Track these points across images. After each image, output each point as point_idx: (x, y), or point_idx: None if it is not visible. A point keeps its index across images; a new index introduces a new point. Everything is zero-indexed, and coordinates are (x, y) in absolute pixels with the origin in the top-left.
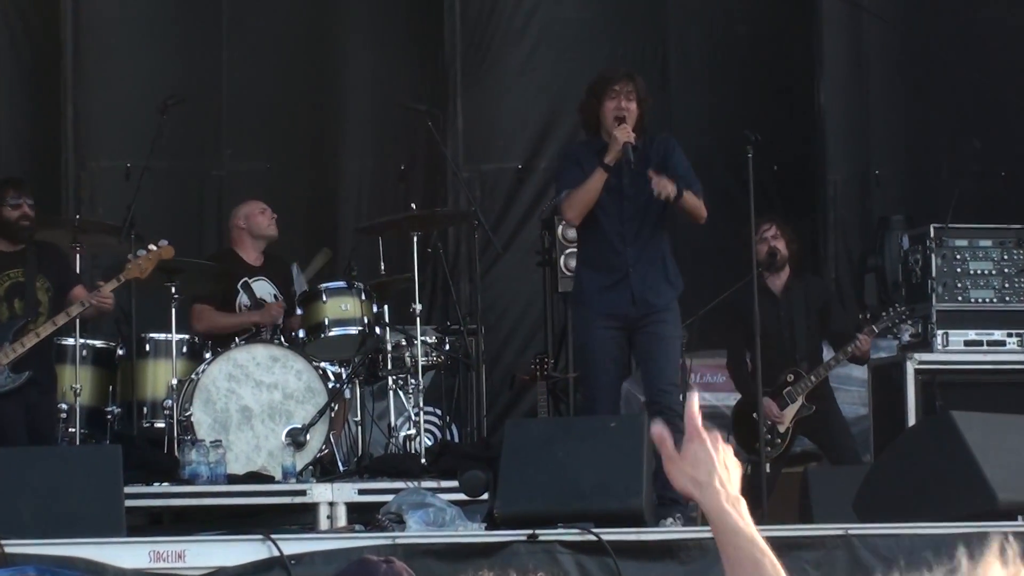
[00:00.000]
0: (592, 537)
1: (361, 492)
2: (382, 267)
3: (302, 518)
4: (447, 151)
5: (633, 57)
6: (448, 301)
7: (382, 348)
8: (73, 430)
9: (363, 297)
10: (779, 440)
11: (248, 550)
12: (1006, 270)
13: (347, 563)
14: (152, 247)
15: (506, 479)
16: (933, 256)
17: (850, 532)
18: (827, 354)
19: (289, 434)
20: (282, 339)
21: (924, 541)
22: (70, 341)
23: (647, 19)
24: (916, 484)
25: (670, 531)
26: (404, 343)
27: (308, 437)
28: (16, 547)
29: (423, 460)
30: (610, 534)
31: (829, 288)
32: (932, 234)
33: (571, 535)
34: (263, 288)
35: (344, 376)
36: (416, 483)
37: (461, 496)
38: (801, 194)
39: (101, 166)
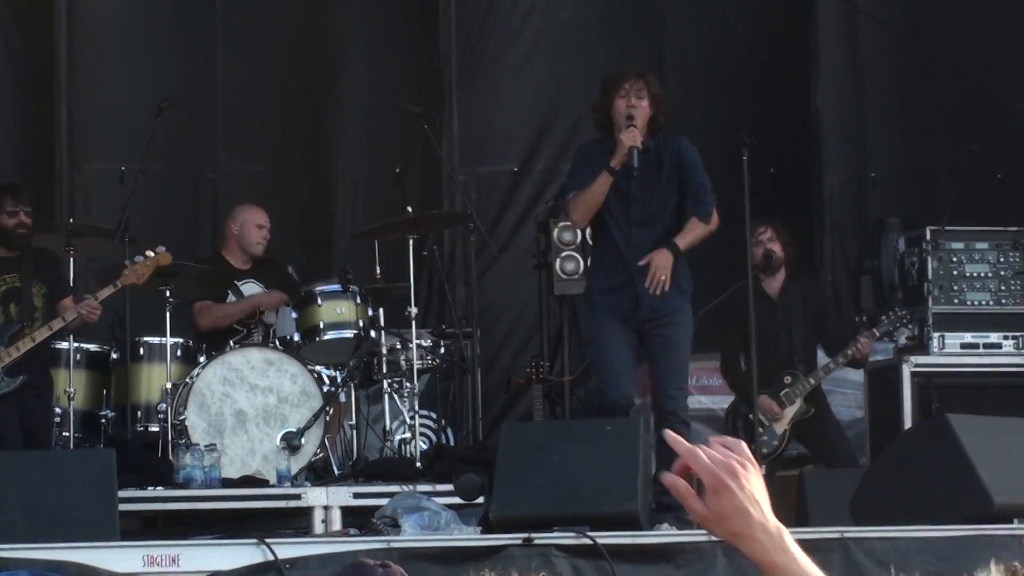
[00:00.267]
0: (588, 541)
1: (356, 496)
2: (377, 270)
3: (297, 522)
4: (443, 153)
5: (629, 59)
6: (444, 304)
7: (377, 351)
8: (67, 434)
9: (358, 300)
10: (776, 442)
11: (242, 554)
12: (1002, 272)
13: (342, 567)
14: (150, 253)
15: (501, 482)
16: (929, 259)
17: (846, 535)
18: (820, 357)
19: (284, 438)
20: (277, 342)
21: (920, 544)
22: (64, 345)
23: (644, 21)
24: (912, 487)
25: (666, 535)
26: (399, 346)
27: (303, 441)
28: (10, 551)
29: (418, 464)
30: (606, 537)
31: (825, 292)
32: (928, 236)
33: (567, 539)
34: (251, 289)
35: (339, 379)
36: (411, 487)
37: (456, 500)
38: (797, 196)
39: (95, 169)
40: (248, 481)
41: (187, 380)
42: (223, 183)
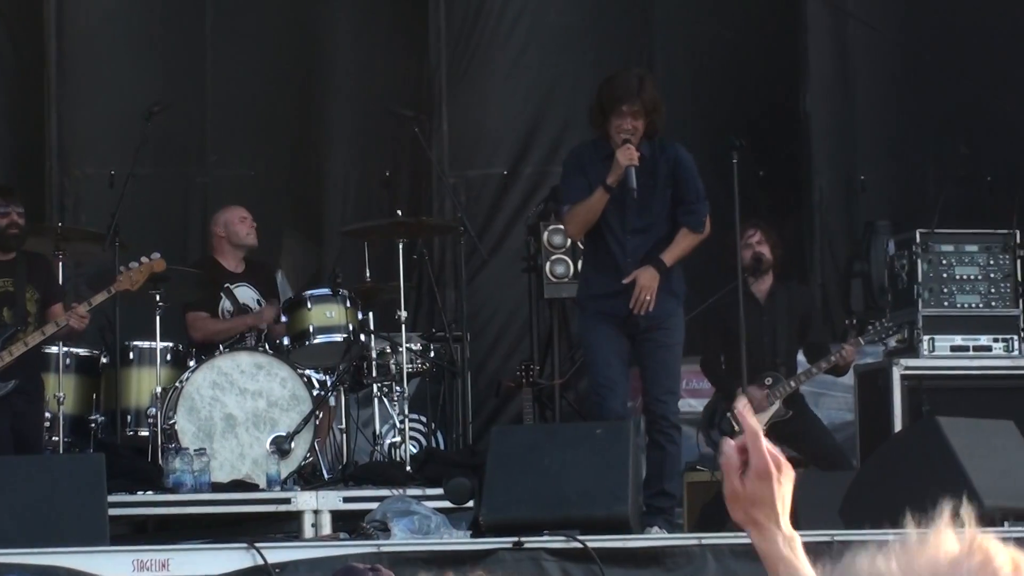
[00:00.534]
0: (578, 544)
1: (346, 500)
2: (367, 274)
3: (287, 526)
4: (432, 157)
5: (619, 62)
6: (433, 308)
7: (367, 355)
8: (57, 438)
9: (348, 304)
10: None
11: (232, 558)
12: (992, 275)
13: (332, 571)
14: (144, 259)
15: (491, 486)
16: (919, 261)
17: (836, 538)
18: (802, 360)
19: (274, 442)
20: (266, 346)
21: None
22: (54, 349)
23: (633, 24)
24: (902, 490)
25: (656, 538)
26: (389, 350)
27: (293, 445)
28: None
29: (408, 467)
30: (596, 541)
31: (813, 298)
32: (918, 239)
33: (557, 542)
34: (245, 294)
35: (329, 383)
36: (401, 491)
37: (446, 503)
38: (786, 199)
39: (85, 173)
40: (238, 485)
41: (177, 384)
42: (213, 187)
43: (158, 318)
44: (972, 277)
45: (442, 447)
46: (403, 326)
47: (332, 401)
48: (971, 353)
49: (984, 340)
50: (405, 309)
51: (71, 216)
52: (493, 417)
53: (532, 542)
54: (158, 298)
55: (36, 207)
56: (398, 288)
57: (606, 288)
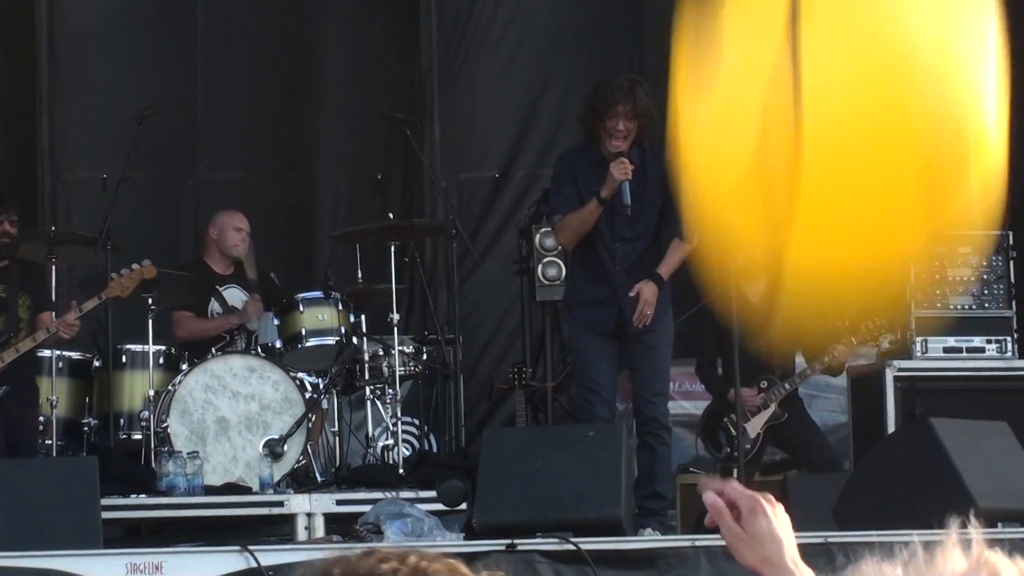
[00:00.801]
0: (571, 546)
1: (339, 503)
2: (359, 276)
3: (280, 529)
4: (424, 160)
5: (611, 64)
6: (426, 310)
7: (359, 358)
8: (49, 442)
9: (340, 307)
10: (748, 445)
11: (226, 561)
12: (985, 276)
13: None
14: (135, 266)
15: (484, 489)
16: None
17: (829, 540)
18: (799, 363)
19: (266, 445)
20: (259, 349)
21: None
22: (47, 353)
23: (625, 26)
24: (896, 491)
25: (649, 540)
26: (381, 353)
27: (285, 448)
28: None
29: (401, 470)
30: (589, 543)
31: None
32: None
33: (550, 544)
34: (234, 295)
35: (321, 386)
36: (394, 493)
37: (439, 506)
38: None
39: (77, 177)
40: (231, 488)
41: (169, 387)
42: (205, 191)
43: (150, 321)
44: (965, 278)
45: (435, 450)
46: (395, 329)
47: (325, 404)
48: (964, 355)
49: (977, 342)
50: (397, 312)
51: (63, 220)
52: (486, 420)
53: (525, 544)
54: (150, 301)
55: (28, 211)
56: (390, 291)
57: (595, 295)
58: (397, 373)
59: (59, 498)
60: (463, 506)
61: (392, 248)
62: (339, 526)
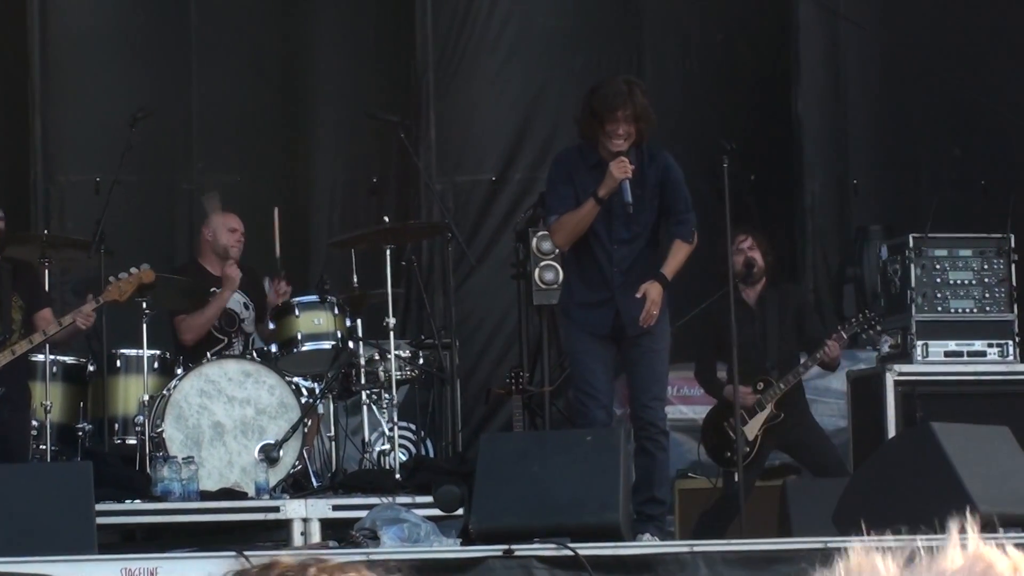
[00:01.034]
0: (568, 552)
1: (335, 508)
2: (355, 280)
3: (275, 534)
4: (420, 163)
5: (607, 66)
6: (422, 314)
7: (355, 362)
8: (44, 447)
9: (336, 311)
10: (747, 448)
11: (221, 567)
12: (986, 280)
13: None
14: (133, 270)
15: (481, 494)
16: (912, 266)
17: (829, 545)
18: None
19: (262, 450)
20: (254, 354)
21: None
22: (41, 357)
23: (622, 28)
24: (896, 496)
25: (647, 546)
26: (378, 357)
27: (281, 453)
28: None
29: (397, 475)
30: (586, 549)
31: (804, 293)
32: (911, 244)
33: (547, 550)
34: (231, 298)
35: (317, 391)
36: (390, 498)
37: (436, 511)
38: (778, 204)
39: (70, 180)
40: (226, 494)
41: (164, 392)
42: (199, 193)
43: (145, 326)
44: (966, 282)
45: (431, 454)
46: (391, 333)
47: (321, 409)
48: (965, 358)
49: (978, 345)
50: (393, 316)
51: (56, 223)
52: (482, 424)
53: (522, 550)
54: (145, 305)
55: (21, 214)
56: (386, 295)
57: (592, 297)
58: (393, 377)
59: (54, 503)
60: (460, 511)
61: (388, 252)
62: (335, 532)
